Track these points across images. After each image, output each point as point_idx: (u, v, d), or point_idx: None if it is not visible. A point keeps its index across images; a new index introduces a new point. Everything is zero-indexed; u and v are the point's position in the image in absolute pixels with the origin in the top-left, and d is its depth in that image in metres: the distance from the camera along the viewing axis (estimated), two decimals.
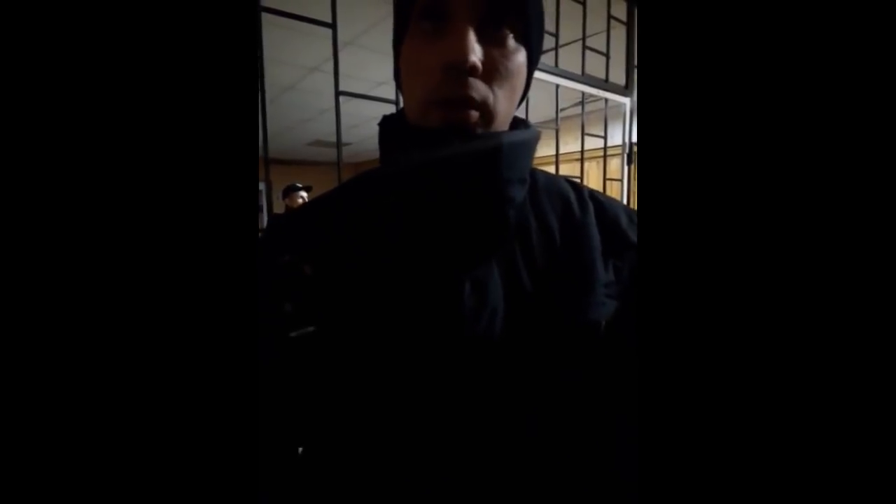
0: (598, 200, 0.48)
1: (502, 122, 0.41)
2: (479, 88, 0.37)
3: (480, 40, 0.37)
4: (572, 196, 0.47)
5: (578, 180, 1.85)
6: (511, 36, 0.38)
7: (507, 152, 0.38)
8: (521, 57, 0.40)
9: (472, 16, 0.36)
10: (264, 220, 1.77)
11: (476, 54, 0.36)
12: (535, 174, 0.47)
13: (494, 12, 0.37)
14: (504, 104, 0.39)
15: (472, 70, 0.36)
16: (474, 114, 0.38)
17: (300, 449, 0.39)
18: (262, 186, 1.07)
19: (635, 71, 2.08)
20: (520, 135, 0.40)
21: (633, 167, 2.24)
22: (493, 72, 0.38)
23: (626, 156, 2.21)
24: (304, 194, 3.31)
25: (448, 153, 0.37)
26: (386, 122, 0.44)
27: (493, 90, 0.38)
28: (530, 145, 0.42)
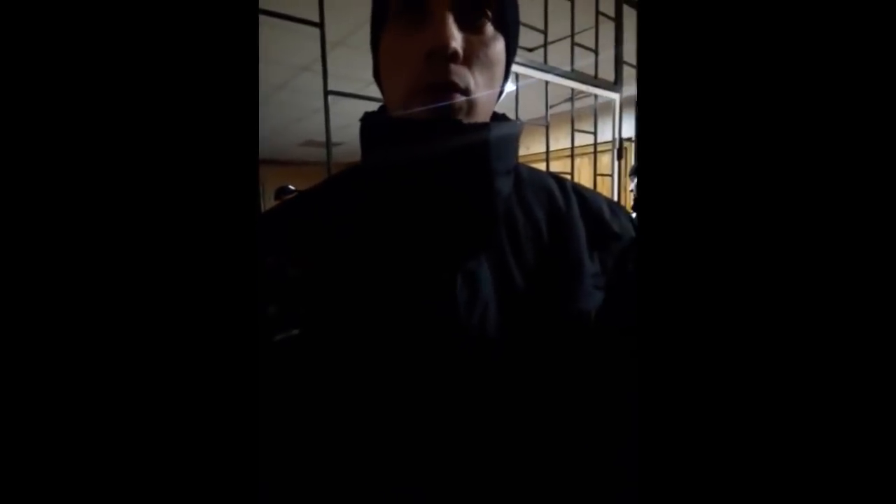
0: (581, 193, 0.48)
1: (485, 112, 0.41)
2: (461, 74, 0.38)
3: (460, 28, 0.37)
4: (556, 189, 0.48)
5: (568, 176, 1.87)
6: (489, 24, 0.39)
7: (494, 144, 0.39)
8: (499, 45, 0.40)
9: (451, 4, 0.37)
10: None
11: (457, 40, 0.36)
12: (518, 168, 0.48)
13: (472, 0, 0.38)
14: (485, 92, 0.40)
15: (454, 56, 0.37)
16: (459, 98, 0.38)
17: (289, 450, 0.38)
18: None
19: (624, 66, 2.09)
20: (505, 127, 0.41)
21: (624, 162, 2.26)
22: (473, 58, 0.38)
23: (615, 151, 2.22)
24: None
25: (436, 146, 0.37)
26: (368, 119, 0.44)
27: (474, 76, 0.39)
28: (515, 137, 0.43)
